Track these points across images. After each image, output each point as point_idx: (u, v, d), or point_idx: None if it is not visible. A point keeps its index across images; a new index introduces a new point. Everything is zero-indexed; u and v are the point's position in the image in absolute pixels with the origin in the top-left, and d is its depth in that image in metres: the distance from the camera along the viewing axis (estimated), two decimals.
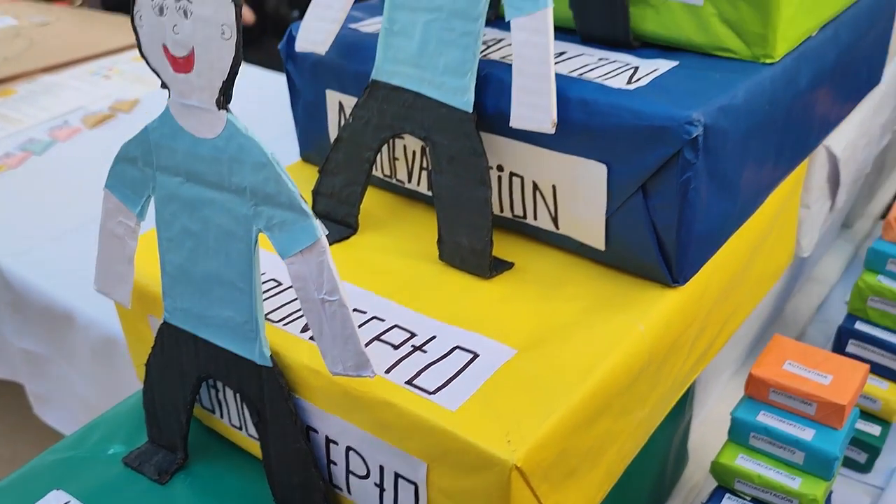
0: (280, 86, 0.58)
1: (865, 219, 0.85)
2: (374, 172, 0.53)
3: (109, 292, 0.45)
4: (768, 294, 0.63)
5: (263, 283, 0.45)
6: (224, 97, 0.36)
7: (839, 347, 0.61)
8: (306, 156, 0.59)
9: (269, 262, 0.44)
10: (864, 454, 0.59)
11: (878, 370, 0.59)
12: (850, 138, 0.61)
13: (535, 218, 0.47)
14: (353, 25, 0.53)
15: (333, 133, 0.54)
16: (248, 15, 1.59)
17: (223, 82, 0.35)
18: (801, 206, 0.60)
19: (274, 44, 1.79)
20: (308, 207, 0.35)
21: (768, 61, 0.45)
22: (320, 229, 0.35)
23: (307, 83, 0.54)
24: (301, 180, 0.54)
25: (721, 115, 0.40)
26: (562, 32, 0.50)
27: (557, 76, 0.42)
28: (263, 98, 1.00)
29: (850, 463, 0.60)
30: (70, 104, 1.17)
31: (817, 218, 0.61)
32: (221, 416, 0.46)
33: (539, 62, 0.41)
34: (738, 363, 0.68)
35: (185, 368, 0.43)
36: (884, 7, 0.61)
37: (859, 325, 0.60)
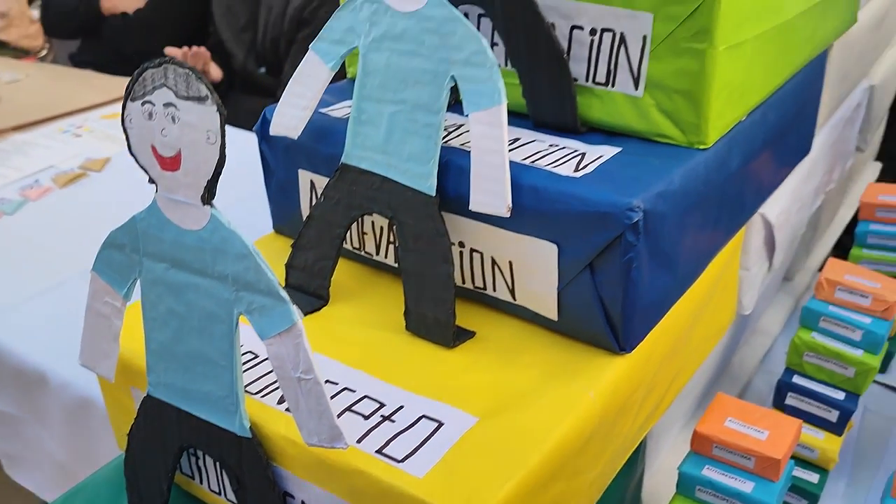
0: (245, 143, 0.60)
1: (804, 272, 0.90)
2: (344, 245, 0.56)
3: (94, 367, 0.47)
4: (715, 348, 0.68)
5: (242, 355, 0.48)
6: (209, 193, 0.39)
7: (779, 400, 0.65)
8: (279, 228, 0.62)
9: (247, 335, 0.47)
10: (804, 501, 0.63)
11: (815, 421, 0.64)
12: (783, 205, 0.66)
13: (494, 290, 0.51)
14: (323, 110, 0.57)
15: (305, 209, 0.58)
16: (216, 72, 1.62)
17: (208, 181, 0.39)
18: (741, 268, 0.65)
19: (241, 100, 1.83)
20: (286, 294, 0.38)
21: (702, 147, 0.50)
22: (297, 314, 0.38)
23: (280, 163, 0.58)
24: (274, 252, 0.58)
25: (659, 200, 0.45)
26: (516, 118, 0.54)
27: (512, 164, 0.47)
28: (229, 155, 1.03)
29: None
30: (41, 163, 1.19)
31: (756, 278, 0.66)
32: (201, 482, 0.49)
33: (495, 153, 0.45)
34: (688, 416, 0.72)
35: (167, 438, 0.46)
36: (811, 84, 0.67)
37: (797, 379, 0.64)
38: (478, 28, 0.54)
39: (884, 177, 1.56)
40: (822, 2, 0.61)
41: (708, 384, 0.73)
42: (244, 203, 0.76)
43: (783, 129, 0.62)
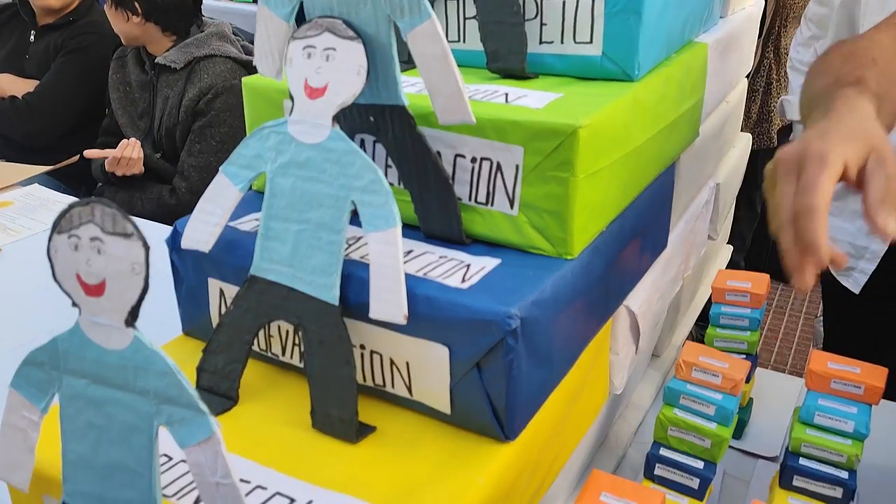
0: (160, 234, 0.62)
1: (670, 348, 1.00)
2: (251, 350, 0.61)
3: (8, 478, 0.49)
4: (593, 425, 0.75)
5: None
6: (132, 317, 0.43)
7: (649, 471, 0.73)
8: (188, 331, 0.66)
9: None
10: None
11: (680, 489, 0.72)
12: (643, 297, 0.75)
13: (393, 387, 0.56)
14: (232, 223, 0.62)
15: (214, 315, 0.62)
16: (137, 164, 1.62)
17: (132, 306, 0.43)
18: (611, 352, 0.73)
19: (137, 183, 1.79)
20: (205, 407, 0.43)
21: (569, 257, 0.58)
22: (216, 424, 0.43)
23: (190, 272, 0.62)
24: (185, 354, 0.62)
25: (534, 308, 0.52)
26: (410, 229, 0.61)
27: (407, 276, 0.53)
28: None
29: None
30: None
31: (625, 361, 0.75)
32: None
33: (391, 268, 0.52)
34: (571, 489, 0.79)
35: None
36: (663, 191, 0.77)
37: (663, 451, 0.72)
38: (374, 152, 0.62)
39: (734, 256, 1.73)
40: (668, 126, 0.71)
41: (588, 457, 0.80)
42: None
43: (640, 232, 0.71)
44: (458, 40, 0.70)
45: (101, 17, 1.75)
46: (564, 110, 0.56)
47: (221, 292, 0.61)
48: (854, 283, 1.24)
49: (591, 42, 0.64)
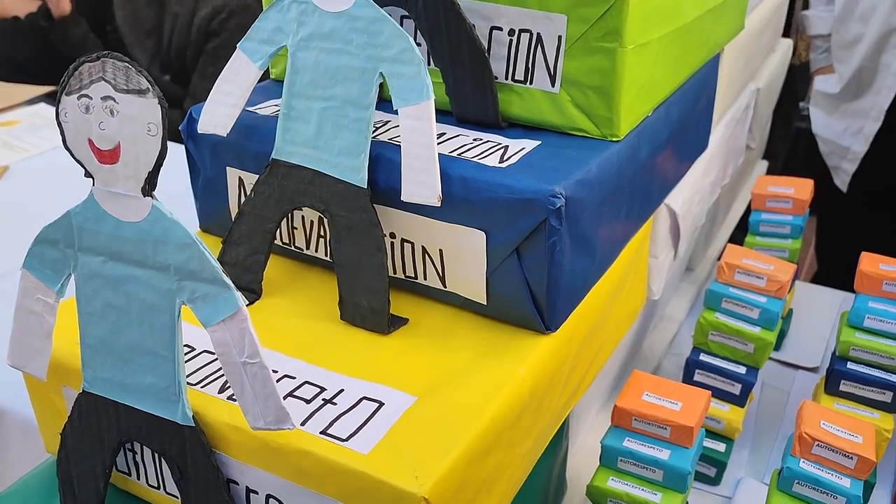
0: (173, 157, 0.60)
1: (705, 262, 0.97)
2: (274, 241, 0.57)
3: (24, 366, 0.47)
4: (628, 333, 0.72)
5: None
6: (150, 185, 0.40)
7: (688, 377, 0.70)
8: (206, 227, 0.63)
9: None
10: (713, 468, 0.68)
11: (720, 395, 0.69)
12: (685, 196, 0.71)
13: (426, 278, 0.53)
14: (250, 108, 0.58)
15: (234, 207, 0.58)
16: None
17: (149, 172, 0.39)
18: (650, 256, 0.69)
19: None
20: (230, 281, 0.39)
21: (614, 139, 0.53)
22: (241, 300, 0.40)
23: (207, 161, 0.58)
24: None
25: (579, 188, 0.48)
26: (440, 114, 0.57)
27: (440, 156, 0.49)
28: None
29: (701, 477, 0.69)
30: None
31: (664, 266, 0.71)
32: (138, 477, 0.49)
33: (424, 146, 0.48)
34: (606, 397, 0.76)
35: (105, 435, 0.45)
36: (706, 84, 0.72)
37: (703, 357, 0.69)
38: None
39: (769, 174, 1.68)
40: (716, 8, 0.66)
41: (622, 367, 0.78)
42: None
43: (684, 125, 0.67)
44: None
45: None
46: None
47: (241, 182, 0.57)
48: (841, 182, 1.33)
49: None
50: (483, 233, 0.49)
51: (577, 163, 0.50)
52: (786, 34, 1.39)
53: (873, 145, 1.24)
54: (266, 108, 0.58)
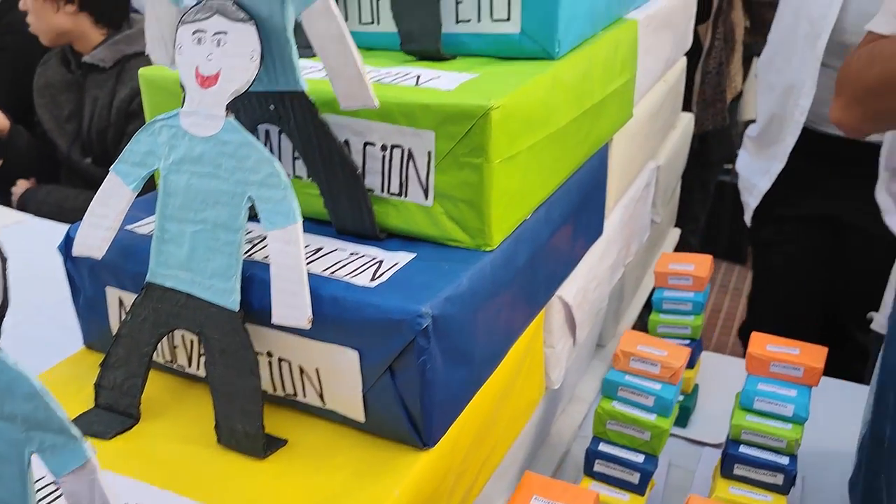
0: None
1: (617, 338, 0.98)
2: (156, 358, 0.56)
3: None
4: (532, 421, 0.72)
5: (47, 486, 0.47)
6: None
7: (588, 467, 0.70)
8: (90, 344, 0.62)
9: None
10: None
11: (621, 484, 0.69)
12: (579, 285, 0.72)
13: (304, 395, 0.53)
14: (129, 227, 0.58)
15: (114, 325, 0.58)
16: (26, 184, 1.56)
17: None
18: (546, 346, 0.70)
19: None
20: (78, 432, 0.39)
21: (488, 249, 0.54)
22: (90, 451, 0.39)
23: (86, 281, 0.58)
24: (85, 368, 0.58)
25: (448, 304, 0.49)
26: (322, 225, 0.57)
27: (312, 276, 0.49)
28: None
29: None
30: None
31: (562, 355, 0.72)
32: None
33: (293, 269, 0.48)
34: (510, 489, 0.76)
35: None
36: (595, 174, 0.74)
37: (602, 447, 0.70)
38: (279, 143, 0.58)
39: (691, 236, 1.73)
40: (596, 106, 0.69)
41: (528, 457, 0.78)
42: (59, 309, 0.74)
43: (571, 218, 0.68)
44: (373, 22, 0.66)
45: (22, 16, 1.67)
46: (477, 91, 0.53)
47: (120, 301, 0.57)
48: (747, 218, 1.43)
49: (508, 20, 0.61)
50: (356, 351, 0.49)
51: (449, 277, 0.51)
52: (688, 108, 1.45)
53: (774, 183, 1.32)
54: (144, 227, 0.58)
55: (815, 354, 0.70)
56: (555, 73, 0.60)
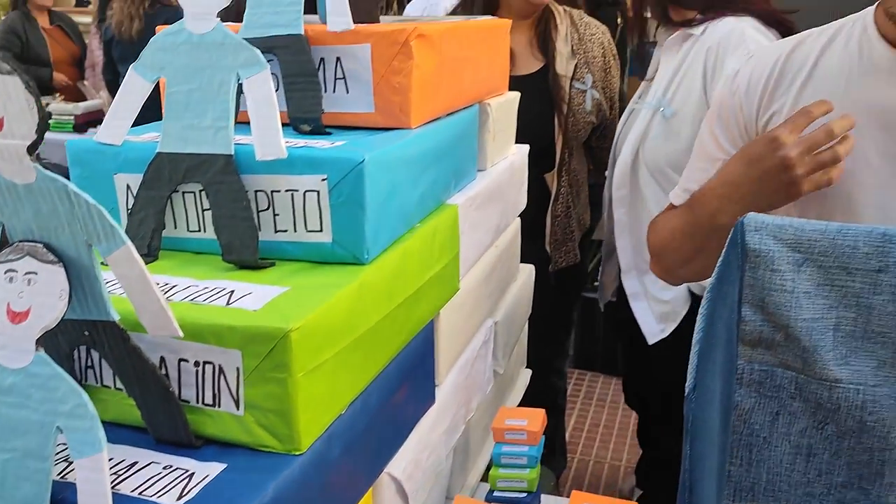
0: None
1: (465, 489, 1.02)
2: None
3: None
4: None
5: None
6: None
7: None
8: None
9: None
10: None
11: None
12: (410, 458, 0.77)
13: None
14: None
15: None
16: None
17: None
18: None
19: None
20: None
21: (297, 453, 0.58)
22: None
23: None
24: None
25: None
26: (143, 433, 0.60)
27: (121, 497, 0.52)
28: None
29: None
30: None
31: None
32: None
33: (99, 496, 0.50)
34: None
35: None
36: (420, 350, 0.80)
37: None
38: (101, 360, 0.61)
39: (558, 365, 1.82)
40: (413, 295, 0.75)
41: None
42: None
43: (391, 400, 0.73)
44: (199, 230, 0.71)
45: None
46: (280, 311, 0.58)
47: None
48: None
49: (321, 230, 0.68)
50: None
51: (256, 488, 0.54)
52: (543, 248, 1.57)
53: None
54: None
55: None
56: (364, 279, 0.66)
